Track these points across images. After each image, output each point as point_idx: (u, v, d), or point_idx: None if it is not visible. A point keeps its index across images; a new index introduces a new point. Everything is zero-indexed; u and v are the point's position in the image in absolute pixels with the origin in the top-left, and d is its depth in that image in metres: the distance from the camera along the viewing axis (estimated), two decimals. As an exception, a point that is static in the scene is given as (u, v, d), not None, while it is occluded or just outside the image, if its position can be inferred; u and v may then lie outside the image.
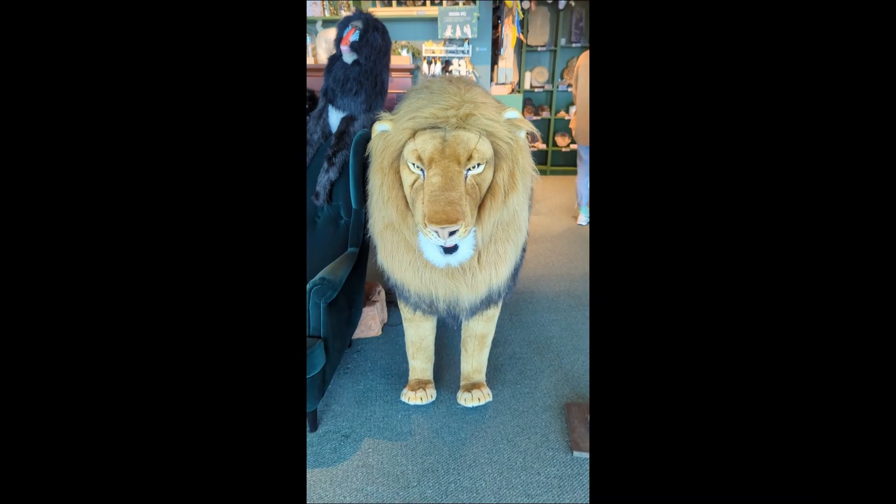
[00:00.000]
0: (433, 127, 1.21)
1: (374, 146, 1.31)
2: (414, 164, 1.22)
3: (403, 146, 1.24)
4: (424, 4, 4.06)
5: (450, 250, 1.20)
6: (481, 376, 1.71)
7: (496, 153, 1.24)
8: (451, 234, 1.15)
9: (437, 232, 1.14)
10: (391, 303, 2.34)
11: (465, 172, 1.19)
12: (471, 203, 1.19)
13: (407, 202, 1.29)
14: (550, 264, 2.89)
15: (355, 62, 1.78)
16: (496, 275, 1.35)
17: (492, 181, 1.25)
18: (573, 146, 5.17)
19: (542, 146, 5.23)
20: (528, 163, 1.29)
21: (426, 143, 1.19)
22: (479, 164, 1.20)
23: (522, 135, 1.28)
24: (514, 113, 1.26)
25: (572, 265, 2.87)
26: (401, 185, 1.28)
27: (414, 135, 1.22)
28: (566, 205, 4.12)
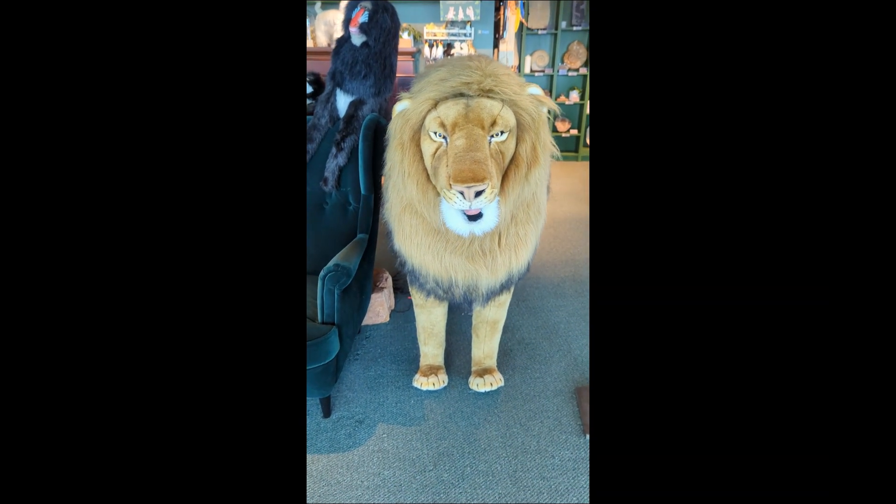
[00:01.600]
0: (456, 95, 1.18)
1: (394, 125, 1.29)
2: (436, 133, 1.19)
3: (425, 117, 1.21)
4: (425, -15, 3.98)
5: (474, 218, 1.17)
6: (493, 361, 1.72)
7: (519, 124, 1.22)
8: (477, 195, 1.11)
9: (462, 193, 1.11)
10: (398, 289, 2.34)
11: (489, 138, 1.16)
12: (495, 168, 1.16)
13: (428, 176, 1.26)
14: (554, 250, 2.89)
15: (364, 44, 1.74)
16: (516, 258, 1.34)
17: (514, 152, 1.23)
18: (574, 132, 5.14)
19: (543, 131, 5.20)
20: (548, 138, 1.28)
21: (449, 110, 1.16)
22: (502, 132, 1.18)
23: (544, 111, 1.26)
24: (536, 89, 1.24)
25: (576, 251, 2.88)
26: (421, 159, 1.25)
27: (436, 105, 1.20)
28: (568, 190, 4.11)
